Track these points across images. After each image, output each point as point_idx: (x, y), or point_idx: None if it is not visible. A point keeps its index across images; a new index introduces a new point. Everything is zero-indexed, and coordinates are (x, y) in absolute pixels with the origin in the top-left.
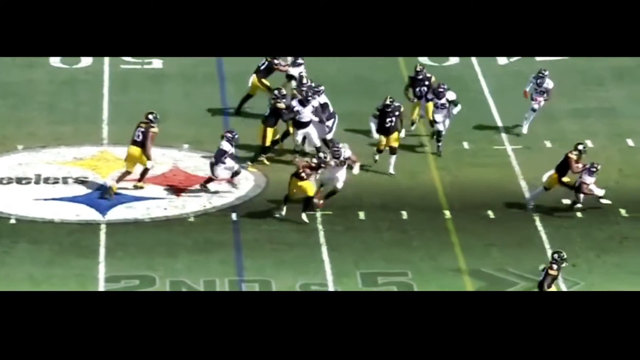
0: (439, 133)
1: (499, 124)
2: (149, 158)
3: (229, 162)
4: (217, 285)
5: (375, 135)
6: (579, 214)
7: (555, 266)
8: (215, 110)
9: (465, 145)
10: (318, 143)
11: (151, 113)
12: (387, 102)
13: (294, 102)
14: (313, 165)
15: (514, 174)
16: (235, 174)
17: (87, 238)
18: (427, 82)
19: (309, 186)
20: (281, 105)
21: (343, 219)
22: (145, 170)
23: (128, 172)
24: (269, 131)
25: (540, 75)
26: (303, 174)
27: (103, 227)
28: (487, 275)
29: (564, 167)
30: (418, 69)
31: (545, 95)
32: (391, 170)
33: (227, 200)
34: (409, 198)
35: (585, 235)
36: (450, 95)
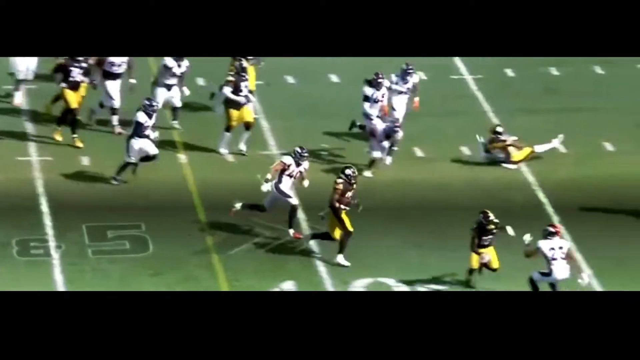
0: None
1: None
2: None
3: (143, 140)
4: None
5: (220, 111)
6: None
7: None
8: None
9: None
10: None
11: None
12: (244, 65)
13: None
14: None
15: None
16: (148, 158)
17: None
18: None
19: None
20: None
21: (64, 164)
22: None
23: None
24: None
25: (410, 70)
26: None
27: None
28: (227, 225)
29: None
30: None
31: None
32: (242, 147)
33: None
34: None
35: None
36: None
